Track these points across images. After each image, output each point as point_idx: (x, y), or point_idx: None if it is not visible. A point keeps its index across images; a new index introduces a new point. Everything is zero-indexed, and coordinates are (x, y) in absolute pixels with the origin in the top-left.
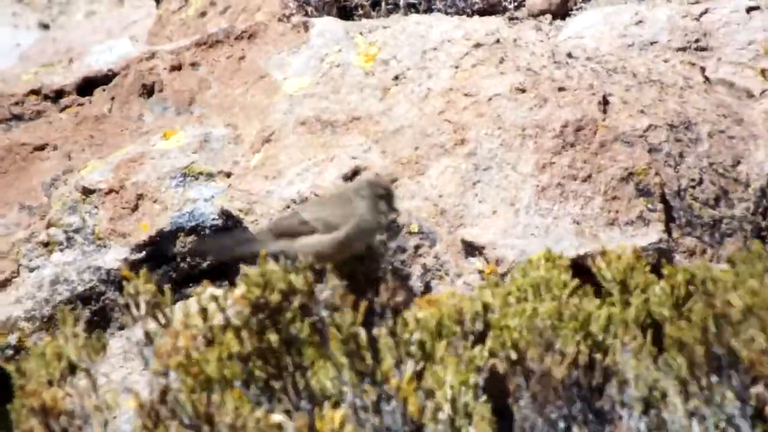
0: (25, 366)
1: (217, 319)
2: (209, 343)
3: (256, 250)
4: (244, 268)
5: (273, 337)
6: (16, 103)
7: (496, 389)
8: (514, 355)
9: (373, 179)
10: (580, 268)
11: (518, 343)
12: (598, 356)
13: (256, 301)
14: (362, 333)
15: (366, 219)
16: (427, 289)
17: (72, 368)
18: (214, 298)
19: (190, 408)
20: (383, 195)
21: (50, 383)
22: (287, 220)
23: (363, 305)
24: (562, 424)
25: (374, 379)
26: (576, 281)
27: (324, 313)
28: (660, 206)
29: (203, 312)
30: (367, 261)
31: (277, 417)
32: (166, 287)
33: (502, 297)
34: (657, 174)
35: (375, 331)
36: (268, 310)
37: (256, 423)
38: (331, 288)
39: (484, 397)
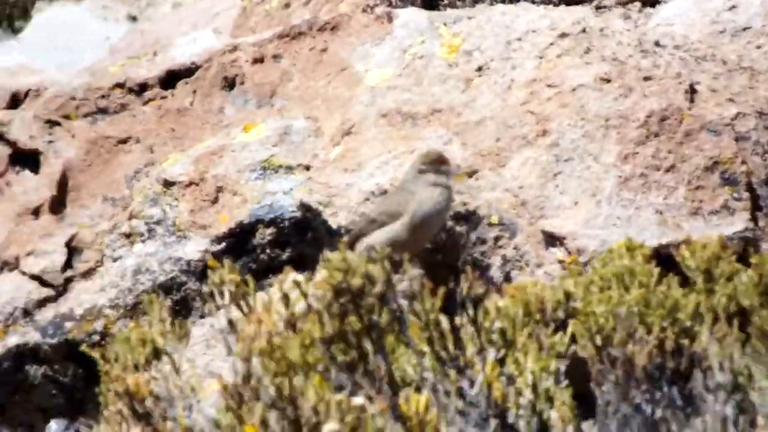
0: (110, 352)
1: (299, 305)
2: (292, 328)
3: None
4: (326, 254)
5: (354, 322)
6: (102, 97)
7: (577, 374)
8: (599, 341)
9: (428, 154)
10: (661, 257)
11: (603, 329)
12: (685, 342)
13: (338, 286)
14: (444, 320)
15: (425, 195)
16: (507, 279)
17: (156, 353)
18: (297, 284)
19: (273, 392)
20: (437, 166)
21: (135, 368)
22: (358, 225)
23: (441, 292)
24: (647, 408)
25: (457, 366)
26: (659, 270)
27: (403, 302)
28: (746, 195)
29: (285, 298)
30: (445, 251)
31: (358, 400)
32: (249, 277)
33: (584, 286)
34: (744, 163)
35: (457, 320)
36: (350, 295)
37: (338, 406)
38: (409, 277)
39: (565, 382)
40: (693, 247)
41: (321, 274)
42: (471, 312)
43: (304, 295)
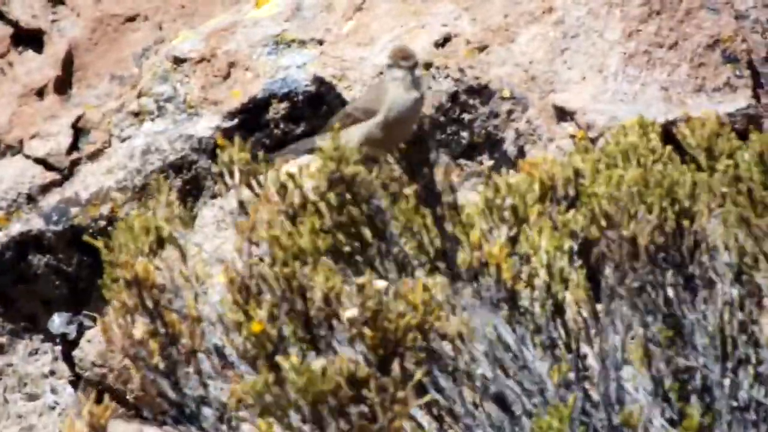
0: (113, 241)
1: (296, 196)
2: (291, 219)
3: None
4: (318, 142)
5: (353, 210)
6: None
7: (589, 254)
8: (603, 223)
9: (395, 51)
10: (667, 135)
11: (606, 210)
12: (686, 223)
13: (331, 176)
14: (426, 213)
15: (399, 93)
16: (521, 153)
17: (161, 241)
18: (290, 176)
19: (281, 284)
20: (409, 65)
21: (140, 256)
22: (336, 118)
23: (414, 188)
24: (651, 291)
25: (446, 257)
26: (666, 148)
27: (381, 201)
28: (747, 72)
29: (283, 188)
30: (420, 144)
31: (381, 283)
32: (260, 155)
33: (592, 162)
34: (744, 41)
35: (438, 210)
36: (344, 184)
37: (360, 290)
38: (385, 174)
39: (578, 263)
40: (692, 124)
41: (315, 163)
42: (450, 199)
43: (299, 186)
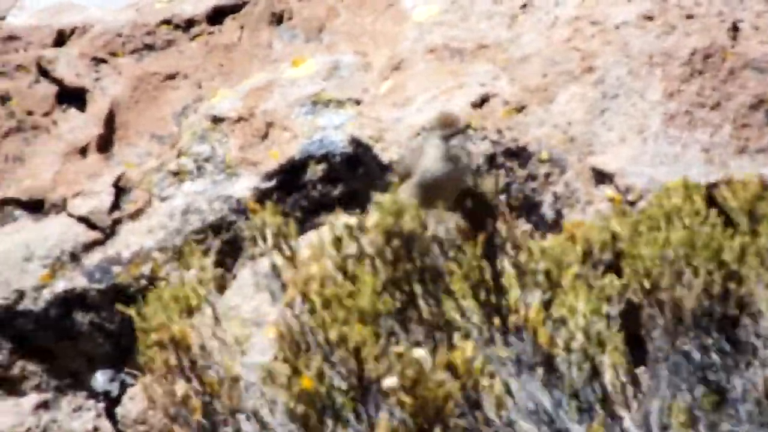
0: (146, 308)
1: (351, 249)
2: (343, 273)
3: None
4: (377, 196)
5: (408, 266)
6: (148, 33)
7: (630, 319)
8: (647, 285)
9: (439, 116)
10: (711, 197)
11: (651, 272)
12: (732, 286)
13: (389, 229)
14: (486, 266)
15: (434, 160)
16: (559, 216)
17: (190, 310)
18: (348, 228)
19: (334, 341)
20: (451, 132)
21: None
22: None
23: (481, 238)
24: (696, 355)
25: (500, 312)
26: (710, 210)
27: (439, 251)
28: None
29: (338, 241)
30: (483, 195)
31: (419, 352)
32: (291, 220)
33: (631, 226)
34: None
35: (498, 264)
36: (402, 238)
37: (398, 358)
38: (447, 225)
39: (616, 327)
40: (734, 187)
41: (372, 217)
42: (512, 254)
43: (356, 239)
